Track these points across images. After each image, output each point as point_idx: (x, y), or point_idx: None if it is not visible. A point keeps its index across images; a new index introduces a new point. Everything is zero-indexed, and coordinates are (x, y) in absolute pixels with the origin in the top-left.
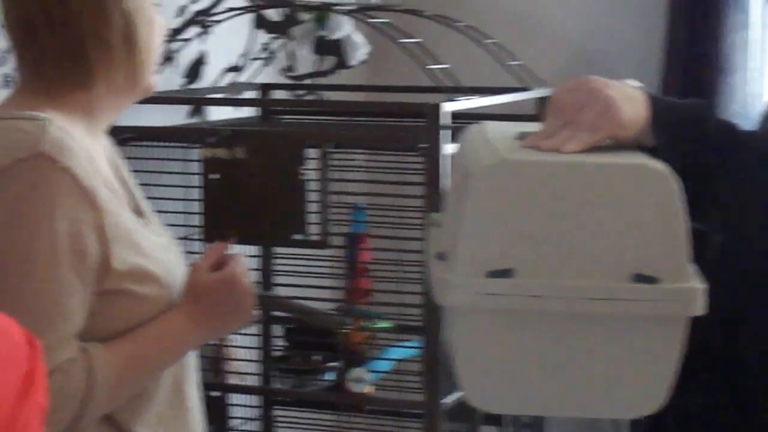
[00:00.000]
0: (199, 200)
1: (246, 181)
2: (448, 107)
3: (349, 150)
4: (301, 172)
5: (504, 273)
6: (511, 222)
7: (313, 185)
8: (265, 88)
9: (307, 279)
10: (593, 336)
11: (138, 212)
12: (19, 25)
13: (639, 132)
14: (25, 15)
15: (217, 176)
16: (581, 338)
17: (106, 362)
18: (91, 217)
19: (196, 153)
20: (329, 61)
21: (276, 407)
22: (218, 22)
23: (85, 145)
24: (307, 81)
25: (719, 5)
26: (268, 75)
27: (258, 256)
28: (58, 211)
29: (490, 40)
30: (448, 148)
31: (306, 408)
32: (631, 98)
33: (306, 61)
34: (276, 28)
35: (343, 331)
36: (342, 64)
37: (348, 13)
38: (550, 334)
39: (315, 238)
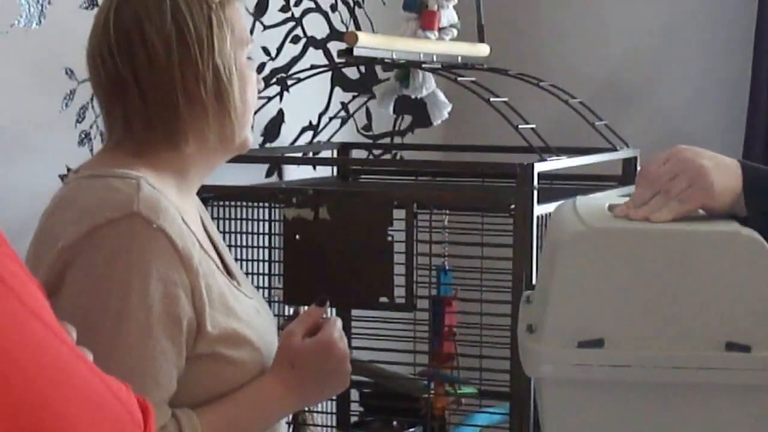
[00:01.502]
0: (280, 262)
1: (330, 242)
2: (540, 167)
3: (437, 211)
4: (388, 233)
5: (594, 343)
6: (600, 291)
7: (398, 247)
8: (344, 147)
9: (388, 342)
10: (686, 406)
11: (228, 273)
12: (108, 83)
13: (731, 202)
14: (114, 73)
15: (300, 237)
16: (674, 409)
17: (198, 429)
18: (184, 279)
19: (277, 213)
20: (407, 120)
21: None
22: (299, 80)
23: (177, 204)
24: (385, 140)
25: None
26: (346, 134)
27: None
28: (153, 273)
29: (576, 100)
30: (538, 209)
31: None
32: (724, 167)
33: (383, 120)
34: (354, 87)
35: (426, 396)
36: (419, 122)
37: (436, 71)
38: (642, 404)
39: (400, 301)
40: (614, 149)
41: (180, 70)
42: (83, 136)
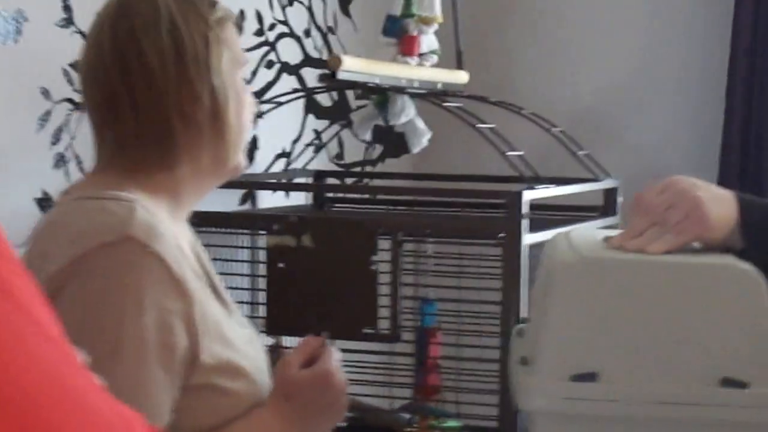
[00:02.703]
0: (263, 290)
1: (312, 270)
2: (529, 195)
3: (422, 239)
4: (373, 262)
5: (588, 377)
6: (594, 323)
7: (383, 276)
8: (319, 174)
9: (365, 374)
10: None
11: (221, 302)
12: (101, 103)
13: (727, 234)
14: (108, 93)
15: (283, 265)
16: None
17: None
18: (180, 307)
19: (249, 240)
20: (378, 149)
21: None
22: (279, 104)
23: (171, 229)
24: (357, 168)
25: None
26: (319, 162)
27: None
28: (147, 301)
29: (556, 129)
30: (527, 238)
31: None
32: (720, 199)
33: (354, 149)
34: (327, 114)
35: (409, 430)
36: (391, 151)
37: (422, 96)
38: None
39: (385, 331)
40: (596, 179)
41: (176, 87)
42: (58, 158)
